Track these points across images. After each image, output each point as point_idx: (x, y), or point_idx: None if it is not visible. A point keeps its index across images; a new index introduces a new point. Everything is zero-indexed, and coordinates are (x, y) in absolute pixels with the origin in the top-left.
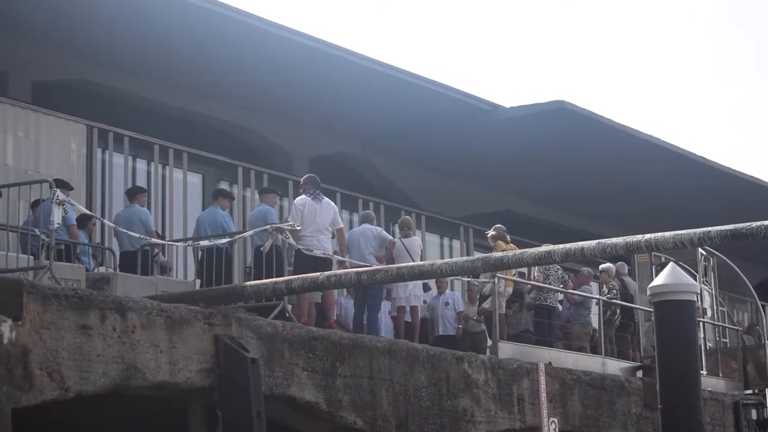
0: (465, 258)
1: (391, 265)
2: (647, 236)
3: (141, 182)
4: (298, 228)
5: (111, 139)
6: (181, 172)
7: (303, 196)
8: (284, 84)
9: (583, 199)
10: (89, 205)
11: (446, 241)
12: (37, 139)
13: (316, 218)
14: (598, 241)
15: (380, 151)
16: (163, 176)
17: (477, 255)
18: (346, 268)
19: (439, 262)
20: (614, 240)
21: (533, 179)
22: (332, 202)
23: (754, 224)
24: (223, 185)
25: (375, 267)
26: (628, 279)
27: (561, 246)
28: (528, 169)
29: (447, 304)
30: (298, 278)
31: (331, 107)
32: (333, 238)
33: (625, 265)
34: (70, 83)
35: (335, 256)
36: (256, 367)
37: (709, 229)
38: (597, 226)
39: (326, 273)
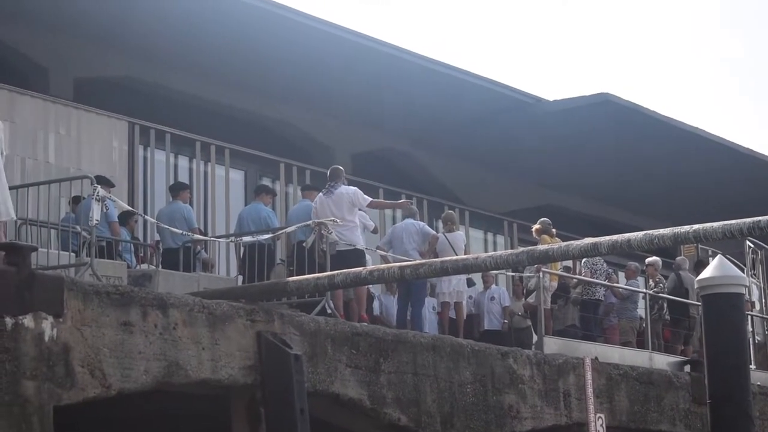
0: (509, 251)
1: (434, 259)
2: (695, 227)
3: (183, 179)
4: (341, 223)
5: (153, 136)
6: (223, 168)
7: (319, 193)
8: (326, 80)
9: (629, 192)
10: (131, 203)
11: (490, 236)
12: (78, 137)
13: (331, 212)
14: (645, 232)
15: (422, 147)
16: (205, 173)
17: (521, 248)
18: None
19: (484, 255)
20: (662, 231)
21: (577, 173)
22: (349, 188)
23: None
24: (266, 181)
25: (418, 261)
26: (685, 273)
27: (607, 238)
28: (572, 162)
29: (492, 299)
30: (341, 273)
31: (373, 102)
32: (370, 231)
33: (686, 260)
34: (112, 80)
35: (359, 246)
36: (299, 364)
37: (759, 218)
38: (642, 219)
39: (369, 267)
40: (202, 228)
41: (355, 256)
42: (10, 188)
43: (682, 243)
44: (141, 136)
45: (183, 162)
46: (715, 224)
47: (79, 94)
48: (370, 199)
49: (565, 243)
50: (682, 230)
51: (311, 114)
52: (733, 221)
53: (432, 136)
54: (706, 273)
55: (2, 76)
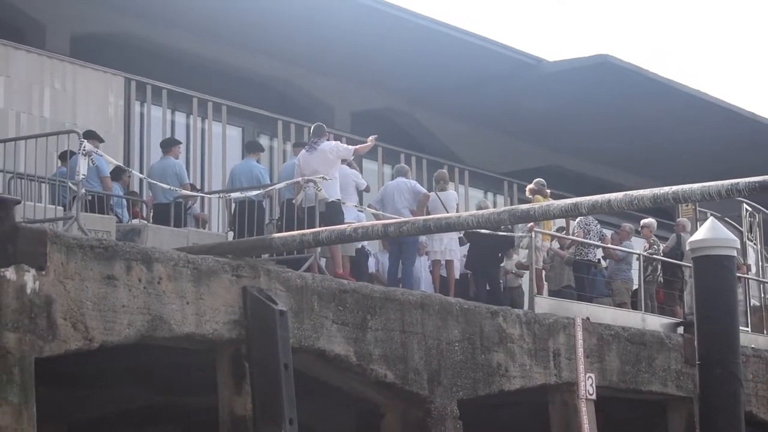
0: (491, 210)
1: (418, 217)
2: (674, 188)
3: (179, 135)
4: (330, 179)
5: (149, 92)
6: (220, 125)
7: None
8: (327, 38)
9: (629, 153)
10: (126, 158)
11: (489, 196)
12: (74, 92)
13: (314, 168)
14: (625, 193)
15: (424, 106)
16: (202, 130)
17: (503, 208)
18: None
19: (466, 214)
20: (641, 192)
21: (578, 134)
22: (330, 143)
23: None
24: (263, 139)
25: (402, 219)
26: (686, 235)
27: (588, 198)
28: (572, 123)
29: None
30: (326, 230)
31: (375, 62)
32: (362, 189)
33: (689, 222)
34: (108, 36)
35: (335, 200)
36: (284, 319)
37: (738, 180)
38: (643, 181)
39: (353, 225)
40: (198, 185)
41: (332, 211)
42: (1, 142)
43: (661, 204)
44: (137, 91)
45: (180, 118)
46: (695, 186)
47: (75, 49)
48: (353, 147)
49: (546, 203)
50: (662, 191)
51: (312, 72)
52: (711, 183)
53: (433, 96)
54: (698, 235)
55: None
